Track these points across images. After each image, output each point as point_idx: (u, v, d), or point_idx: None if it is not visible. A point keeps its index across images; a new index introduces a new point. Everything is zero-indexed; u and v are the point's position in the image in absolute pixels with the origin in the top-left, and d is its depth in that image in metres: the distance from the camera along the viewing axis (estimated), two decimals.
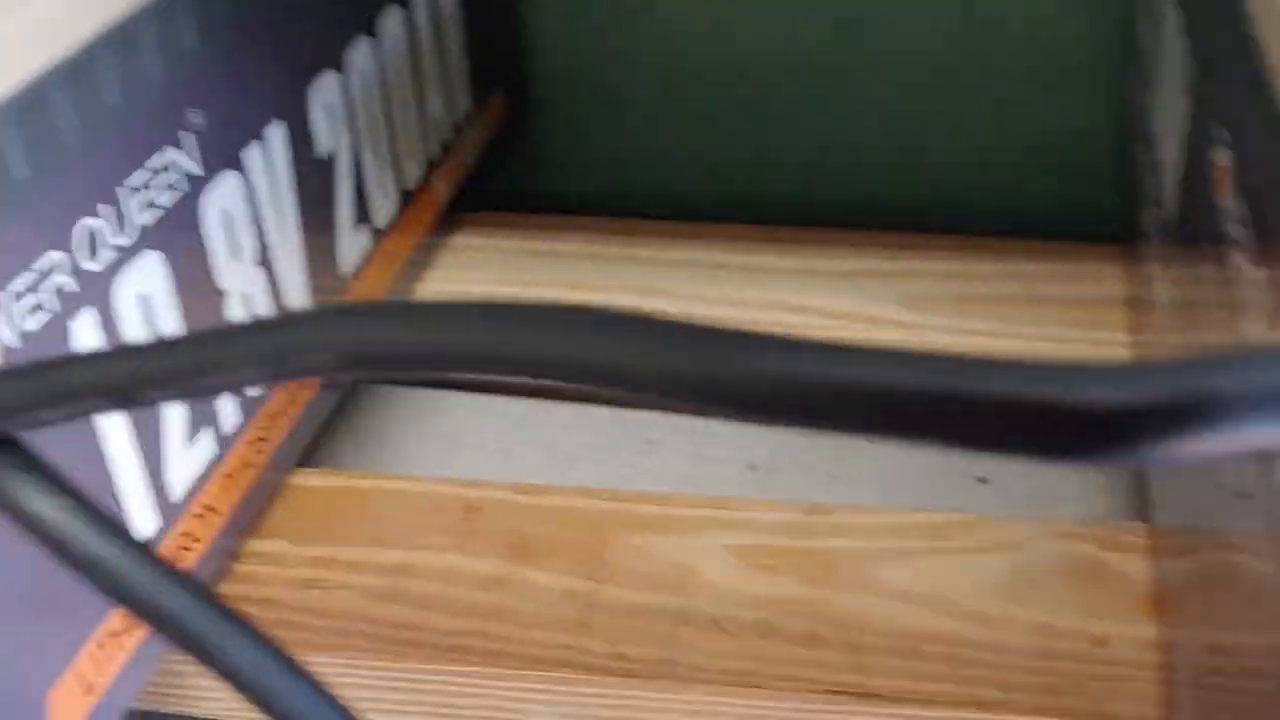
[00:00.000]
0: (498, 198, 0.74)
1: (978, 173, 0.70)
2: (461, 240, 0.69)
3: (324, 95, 0.51)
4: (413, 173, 0.61)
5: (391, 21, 0.58)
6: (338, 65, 0.52)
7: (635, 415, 0.65)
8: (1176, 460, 0.11)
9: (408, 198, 0.61)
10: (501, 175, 0.74)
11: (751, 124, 0.72)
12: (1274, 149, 0.27)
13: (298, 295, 0.50)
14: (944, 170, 0.71)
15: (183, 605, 0.16)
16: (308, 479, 0.54)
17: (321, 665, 0.46)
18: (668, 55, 0.71)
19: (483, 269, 0.66)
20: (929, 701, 0.43)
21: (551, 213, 0.72)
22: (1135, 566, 0.48)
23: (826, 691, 0.43)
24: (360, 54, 0.54)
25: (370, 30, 0.55)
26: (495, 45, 0.69)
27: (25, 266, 0.33)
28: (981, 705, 0.42)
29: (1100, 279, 0.63)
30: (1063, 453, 0.11)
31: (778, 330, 0.13)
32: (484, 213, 0.71)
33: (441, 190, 0.64)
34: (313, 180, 0.50)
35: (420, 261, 0.64)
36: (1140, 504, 0.54)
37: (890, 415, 0.12)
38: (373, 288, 0.58)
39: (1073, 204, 0.71)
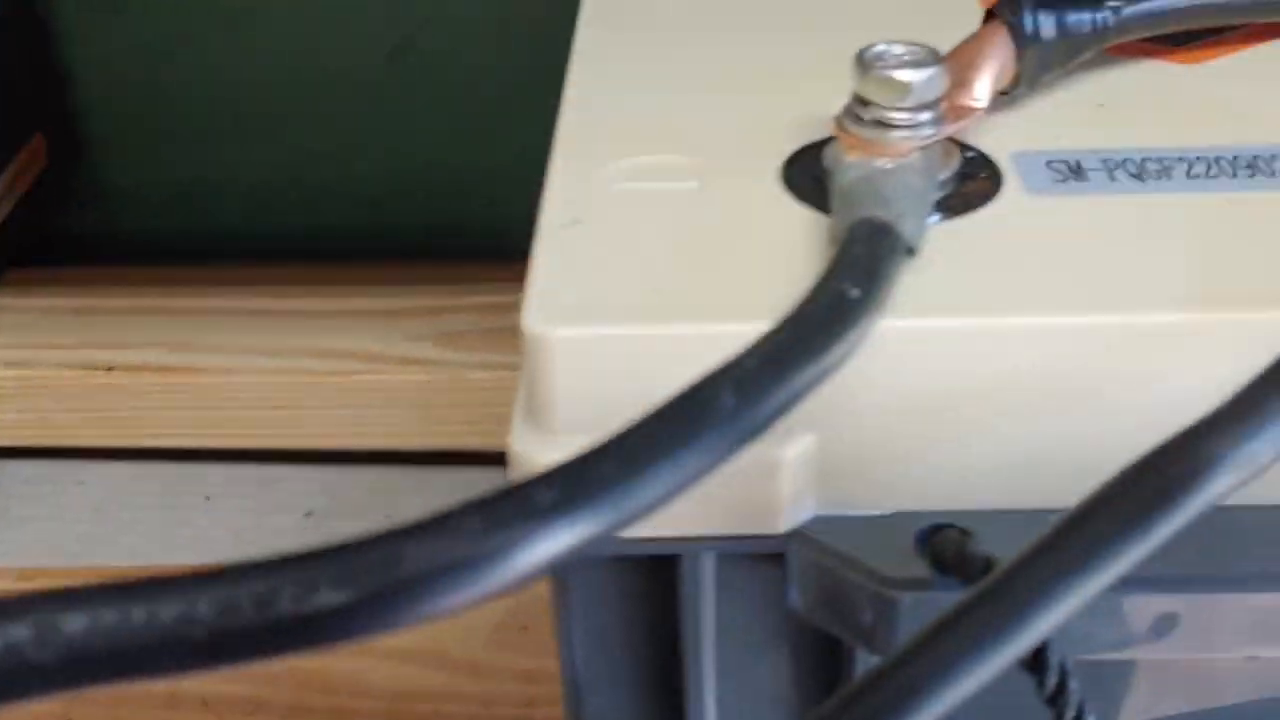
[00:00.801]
0: (57, 241, 0.72)
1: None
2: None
3: None
4: None
5: None
6: None
7: (194, 469, 0.65)
8: None
9: None
10: (59, 216, 0.72)
11: (300, 153, 0.71)
12: None
13: None
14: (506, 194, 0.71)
15: None
16: None
17: None
18: (216, 87, 0.70)
19: (14, 332, 0.64)
20: None
21: (111, 252, 0.71)
22: None
23: None
24: None
25: None
26: (26, 87, 0.67)
27: None
28: None
29: None
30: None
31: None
32: (29, 268, 0.69)
33: None
34: None
35: None
36: None
37: None
38: None
39: None
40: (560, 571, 0.24)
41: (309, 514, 0.64)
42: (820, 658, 0.25)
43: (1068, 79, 0.27)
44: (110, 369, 0.62)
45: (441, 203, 0.72)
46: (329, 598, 0.14)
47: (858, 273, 0.20)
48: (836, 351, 0.19)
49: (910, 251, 0.21)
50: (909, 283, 0.22)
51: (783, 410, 0.18)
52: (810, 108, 0.25)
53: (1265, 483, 0.20)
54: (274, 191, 0.72)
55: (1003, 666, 0.18)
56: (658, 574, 0.24)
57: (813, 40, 0.29)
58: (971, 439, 0.22)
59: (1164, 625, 0.22)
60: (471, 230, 0.71)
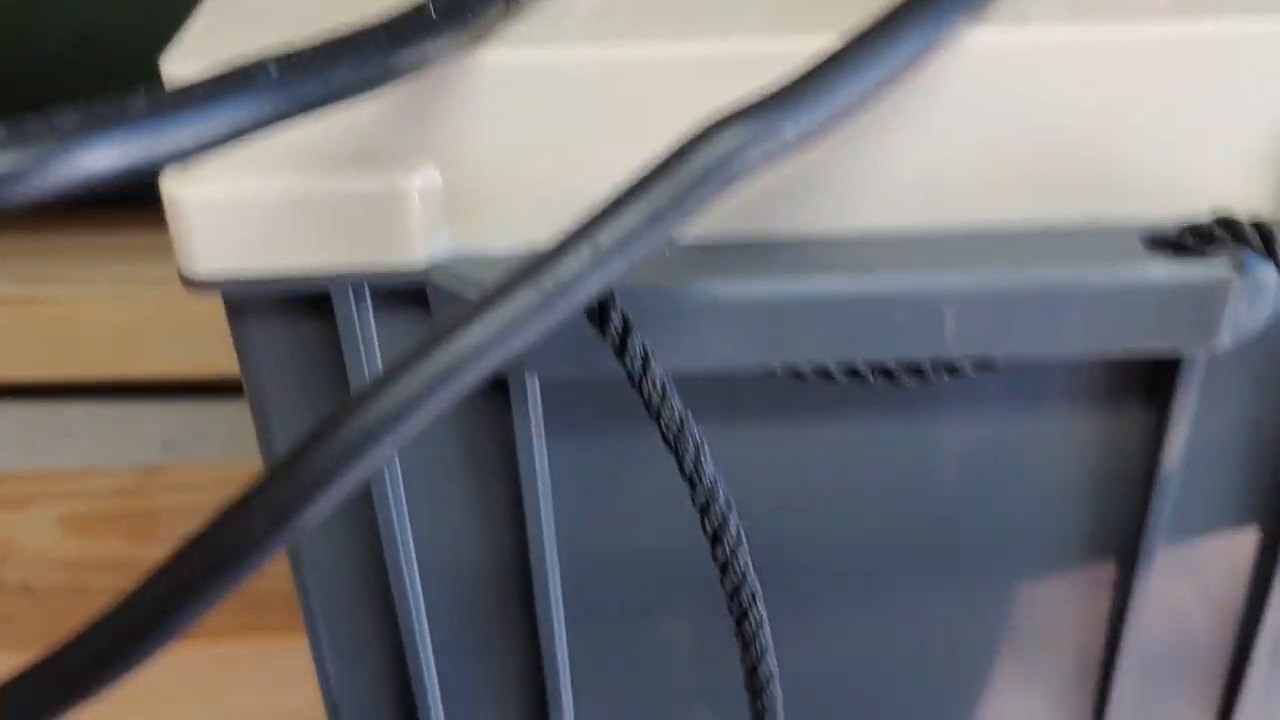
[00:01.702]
0: None
1: None
2: None
3: None
4: None
5: None
6: None
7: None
8: None
9: None
10: None
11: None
12: None
13: None
14: None
15: None
16: None
17: None
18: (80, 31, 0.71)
19: None
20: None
21: None
22: None
23: None
24: None
25: None
26: None
27: None
28: None
29: None
30: None
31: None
32: None
33: None
34: None
35: None
36: None
37: None
38: None
39: None
40: (242, 320, 0.26)
41: (166, 444, 0.65)
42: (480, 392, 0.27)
43: None
44: None
45: None
46: None
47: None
48: (404, 57, 0.21)
49: None
50: (525, 18, 0.24)
51: (335, 93, 0.20)
52: None
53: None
54: None
55: (552, 318, 0.20)
56: (325, 322, 0.26)
57: None
58: (588, 170, 0.24)
59: None
60: None
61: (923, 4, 0.22)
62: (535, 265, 0.20)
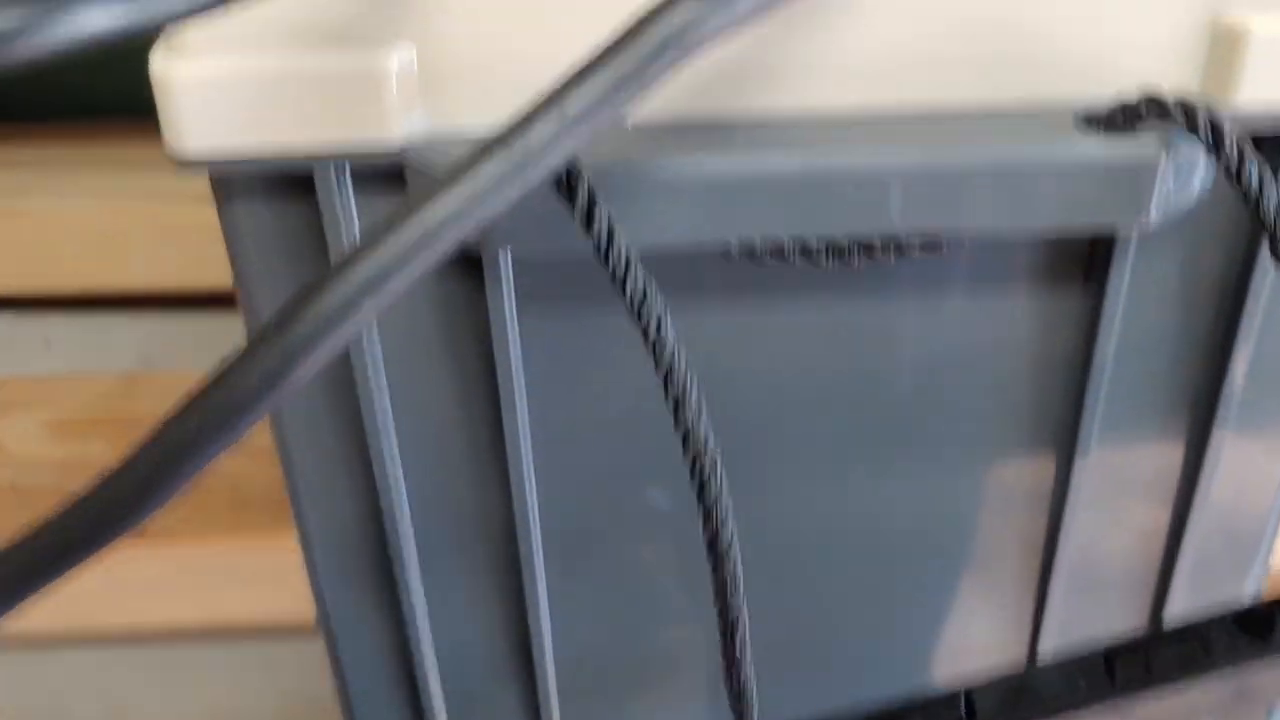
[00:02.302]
0: None
1: None
2: None
3: None
4: None
5: None
6: None
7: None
8: None
9: None
10: None
11: None
12: None
13: None
14: None
15: None
16: None
17: None
18: None
19: None
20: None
21: None
22: None
23: None
24: None
25: None
26: None
27: None
28: None
29: None
30: None
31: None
32: None
33: None
34: None
35: None
36: None
37: None
38: None
39: None
40: (224, 200, 0.28)
41: (143, 357, 0.66)
42: (459, 266, 0.28)
43: None
44: None
45: None
46: None
47: None
48: None
49: None
50: None
51: None
52: None
53: None
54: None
55: (521, 185, 0.21)
56: (309, 204, 0.27)
57: None
58: (562, 44, 0.25)
59: None
60: None
61: None
62: (503, 135, 0.21)
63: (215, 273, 0.65)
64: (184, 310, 0.67)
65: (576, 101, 0.21)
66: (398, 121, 0.25)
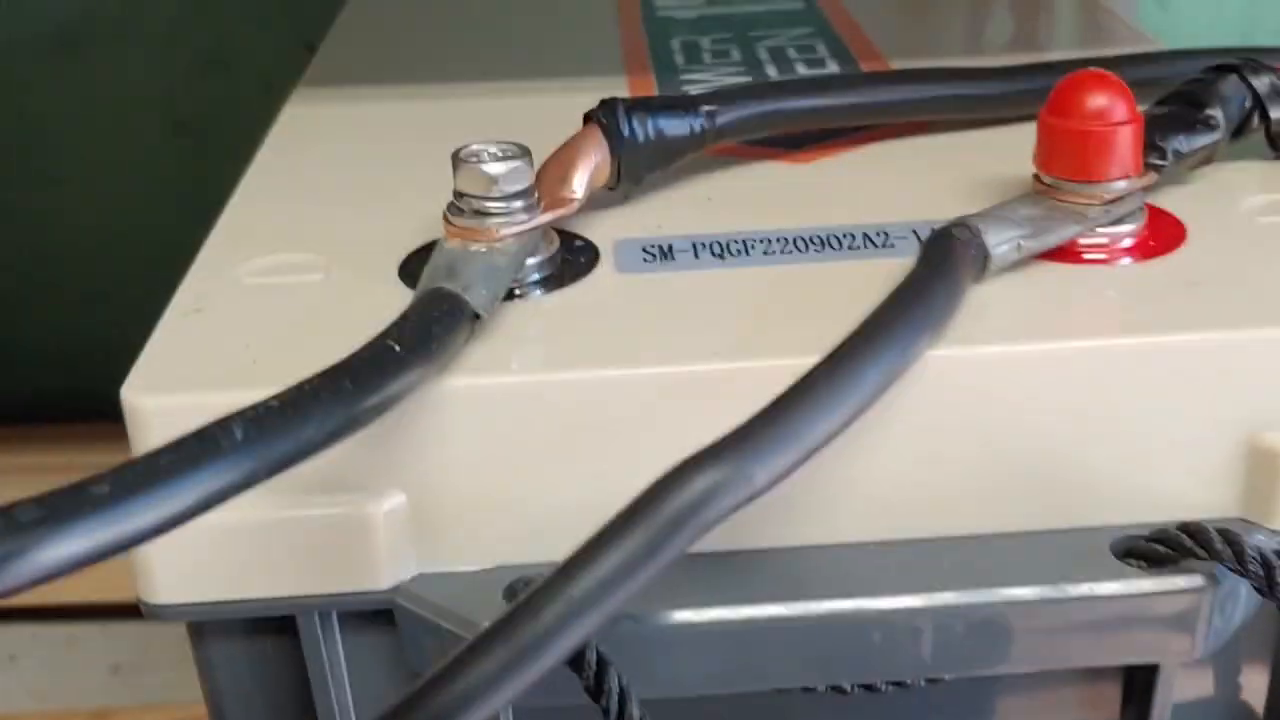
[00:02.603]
0: None
1: None
2: None
3: None
4: None
5: None
6: None
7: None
8: None
9: None
10: None
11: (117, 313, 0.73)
12: None
13: None
14: None
15: None
16: None
17: None
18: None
19: None
20: None
21: None
22: None
23: None
24: None
25: None
26: None
27: None
28: None
29: None
30: None
31: None
32: None
33: None
34: None
35: None
36: None
37: None
38: None
39: None
40: (202, 642, 0.26)
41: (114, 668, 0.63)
42: None
43: (686, 176, 0.30)
44: None
45: None
46: None
47: (405, 331, 0.22)
48: (371, 398, 0.21)
49: (477, 317, 0.23)
50: (489, 346, 0.24)
51: (305, 449, 0.20)
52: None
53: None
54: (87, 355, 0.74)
55: (527, 679, 0.19)
56: (288, 639, 0.25)
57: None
58: (549, 492, 0.24)
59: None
60: None
61: (885, 332, 0.22)
62: (509, 621, 0.19)
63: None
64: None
65: (584, 585, 0.20)
66: (386, 568, 0.24)
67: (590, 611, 0.20)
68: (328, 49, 0.42)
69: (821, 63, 0.38)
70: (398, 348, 0.22)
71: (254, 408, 0.20)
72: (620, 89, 0.36)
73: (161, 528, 0.18)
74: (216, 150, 0.72)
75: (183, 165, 0.72)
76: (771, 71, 0.38)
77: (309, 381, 0.20)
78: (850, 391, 0.21)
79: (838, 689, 0.25)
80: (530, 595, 0.20)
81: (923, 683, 0.25)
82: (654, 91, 0.36)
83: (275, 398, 0.20)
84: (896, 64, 0.38)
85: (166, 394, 0.23)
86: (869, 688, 0.25)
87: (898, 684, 0.25)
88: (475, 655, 0.19)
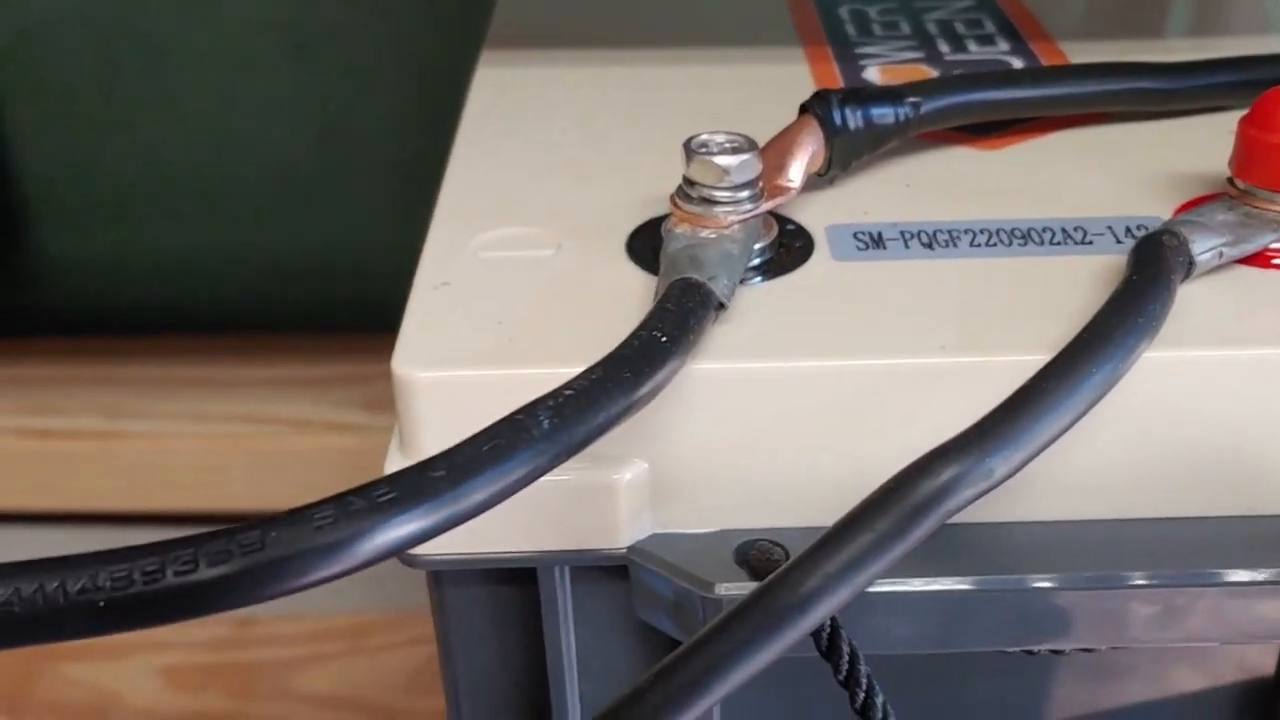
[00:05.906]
0: None
1: None
2: None
3: None
4: None
5: None
6: None
7: (127, 536, 0.67)
8: None
9: None
10: None
11: (235, 228, 0.75)
12: None
13: None
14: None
15: None
16: None
17: None
18: (156, 166, 0.74)
19: None
20: None
21: (45, 325, 0.74)
22: None
23: None
24: None
25: None
26: None
27: None
28: None
29: None
30: None
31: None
32: None
33: None
34: None
35: None
36: None
37: None
38: None
39: None
40: (441, 588, 0.28)
41: None
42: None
43: (883, 161, 0.32)
44: (45, 435, 0.65)
45: (374, 278, 0.76)
46: (206, 573, 0.18)
47: (668, 322, 0.24)
48: (646, 386, 0.23)
49: (721, 306, 0.25)
50: (725, 331, 0.26)
51: (595, 434, 0.22)
52: (658, 188, 0.30)
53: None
54: (205, 265, 0.76)
55: (783, 644, 0.22)
56: (523, 588, 0.28)
57: (665, 128, 0.33)
58: (779, 466, 0.26)
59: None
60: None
61: (1109, 336, 0.24)
62: (765, 593, 0.22)
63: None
64: None
65: (838, 562, 0.22)
66: (625, 529, 0.26)
67: (842, 586, 0.22)
68: (502, 10, 0.44)
69: (990, 39, 0.39)
70: (664, 338, 0.24)
71: (553, 395, 0.22)
72: (798, 59, 0.38)
73: (485, 507, 0.20)
74: (331, 73, 0.74)
75: (299, 87, 0.74)
76: (943, 46, 0.39)
77: (594, 371, 0.22)
78: (1079, 392, 0.23)
79: (1028, 651, 0.27)
80: (788, 568, 0.22)
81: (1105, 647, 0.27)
82: (832, 64, 0.38)
83: (569, 386, 0.22)
84: (1060, 40, 0.39)
85: (436, 369, 0.25)
86: (1057, 651, 0.27)
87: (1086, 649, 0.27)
88: (740, 620, 0.21)
